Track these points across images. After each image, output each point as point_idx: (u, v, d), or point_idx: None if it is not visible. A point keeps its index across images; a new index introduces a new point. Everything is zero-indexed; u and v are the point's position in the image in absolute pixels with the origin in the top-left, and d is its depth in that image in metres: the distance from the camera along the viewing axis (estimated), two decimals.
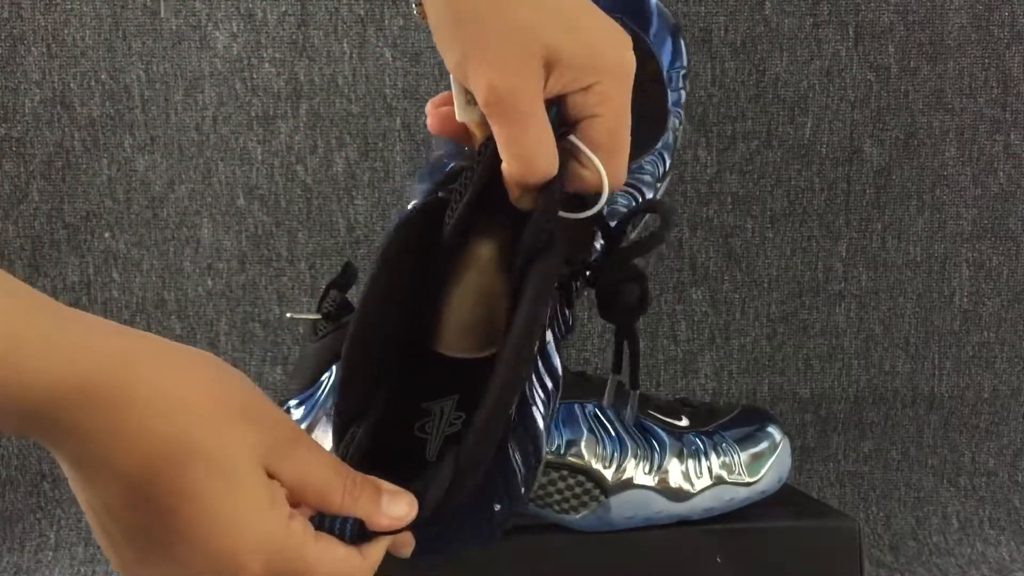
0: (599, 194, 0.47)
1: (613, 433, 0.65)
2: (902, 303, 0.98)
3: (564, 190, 0.47)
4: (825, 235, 0.97)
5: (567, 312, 0.52)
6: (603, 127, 0.47)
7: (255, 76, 0.93)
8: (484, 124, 0.46)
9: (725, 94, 0.95)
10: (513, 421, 0.47)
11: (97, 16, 0.92)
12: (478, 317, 0.49)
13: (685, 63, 0.63)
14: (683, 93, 0.63)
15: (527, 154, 0.45)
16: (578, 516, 0.65)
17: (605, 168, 0.47)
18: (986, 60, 0.96)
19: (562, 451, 0.64)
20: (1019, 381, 0.99)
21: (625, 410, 0.67)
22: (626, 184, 0.58)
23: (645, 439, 0.66)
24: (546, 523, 0.66)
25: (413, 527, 0.44)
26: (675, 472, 0.66)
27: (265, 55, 0.93)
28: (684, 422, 0.69)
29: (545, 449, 0.49)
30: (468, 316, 0.50)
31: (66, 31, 0.92)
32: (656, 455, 0.66)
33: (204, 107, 0.93)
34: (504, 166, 0.46)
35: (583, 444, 0.65)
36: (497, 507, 0.47)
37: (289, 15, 0.93)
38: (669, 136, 0.61)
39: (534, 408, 0.48)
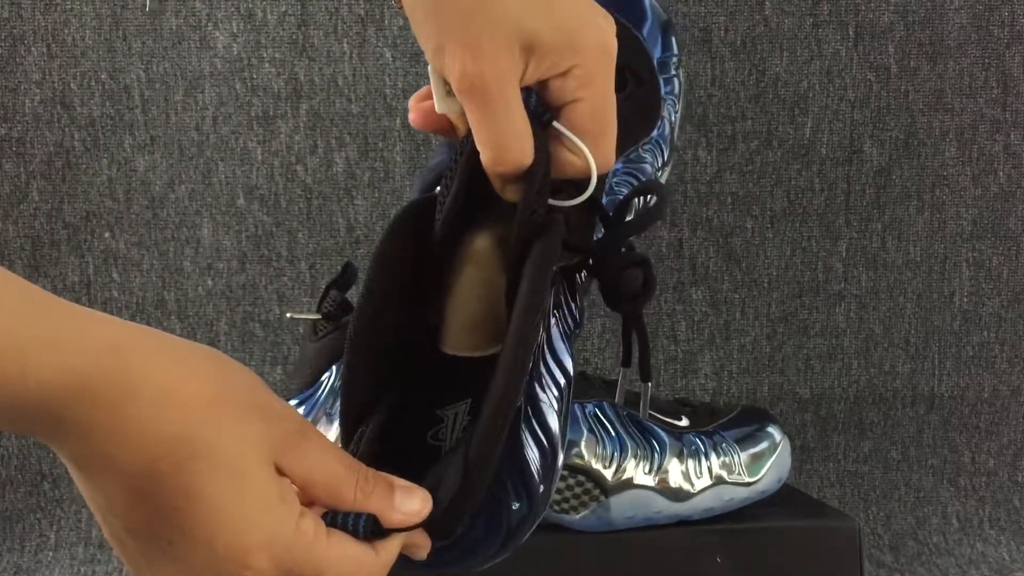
0: (589, 179, 0.47)
1: (613, 433, 0.65)
2: (902, 303, 0.98)
3: (549, 176, 0.46)
4: (825, 235, 0.97)
5: (573, 305, 0.51)
6: (586, 110, 0.46)
7: (255, 76, 0.93)
8: (464, 115, 0.45)
9: (725, 94, 0.95)
10: (524, 412, 0.46)
11: (97, 16, 0.92)
12: (481, 313, 0.49)
13: (676, 52, 0.63)
14: (677, 82, 0.63)
15: (499, 140, 0.44)
16: (578, 516, 0.65)
17: (592, 152, 0.46)
18: (986, 60, 0.96)
19: None
20: (1019, 381, 0.99)
21: (637, 409, 0.67)
22: (627, 173, 0.58)
23: (645, 439, 0.66)
24: (546, 523, 0.66)
25: (427, 527, 0.43)
26: (675, 472, 0.66)
27: (265, 55, 0.93)
28: (684, 422, 0.69)
29: (562, 446, 0.49)
30: (471, 312, 0.49)
31: (66, 31, 0.92)
32: (656, 455, 0.66)
33: (204, 107, 0.93)
34: (481, 155, 0.45)
35: (583, 444, 0.65)
36: (515, 505, 0.46)
37: (289, 15, 0.93)
38: (665, 126, 0.61)
39: (544, 402, 0.47)
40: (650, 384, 0.54)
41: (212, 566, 0.38)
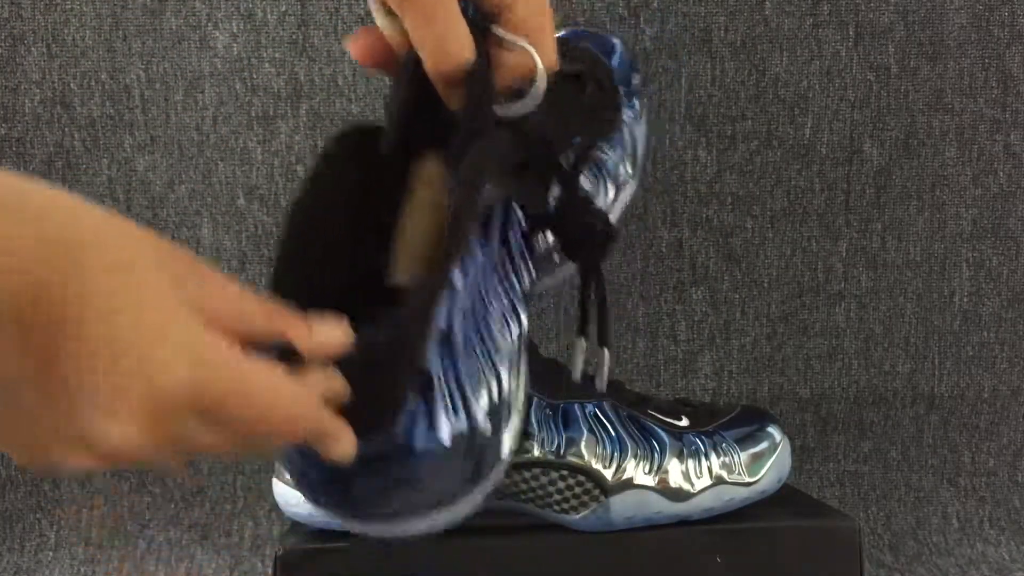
0: (535, 82, 0.47)
1: (613, 433, 0.65)
2: (902, 303, 0.98)
3: (492, 80, 0.47)
4: (825, 235, 0.97)
5: (530, 262, 0.50)
6: (521, 11, 0.48)
7: (255, 76, 0.93)
8: (404, 34, 0.47)
9: (725, 94, 0.95)
10: (439, 333, 0.44)
11: (97, 16, 0.92)
12: (430, 238, 0.48)
13: (642, 84, 0.66)
14: (642, 109, 0.64)
15: (439, 43, 0.46)
16: (578, 516, 0.65)
17: (534, 49, 0.47)
18: (986, 60, 0.96)
19: (562, 451, 0.64)
20: (1019, 381, 0.99)
21: (624, 401, 0.67)
22: (586, 159, 0.59)
23: (645, 439, 0.66)
24: (546, 523, 0.66)
25: (346, 413, 0.39)
26: (675, 472, 0.66)
27: (265, 55, 0.93)
28: (684, 422, 0.69)
29: (515, 391, 0.47)
30: (419, 238, 0.48)
31: (66, 31, 0.92)
32: (656, 455, 0.66)
33: (204, 107, 0.93)
34: (423, 60, 0.46)
35: (583, 444, 0.65)
36: (453, 419, 0.44)
37: (289, 15, 0.93)
38: (626, 139, 0.62)
39: (494, 311, 0.46)
40: (608, 352, 0.52)
41: (122, 379, 0.33)
